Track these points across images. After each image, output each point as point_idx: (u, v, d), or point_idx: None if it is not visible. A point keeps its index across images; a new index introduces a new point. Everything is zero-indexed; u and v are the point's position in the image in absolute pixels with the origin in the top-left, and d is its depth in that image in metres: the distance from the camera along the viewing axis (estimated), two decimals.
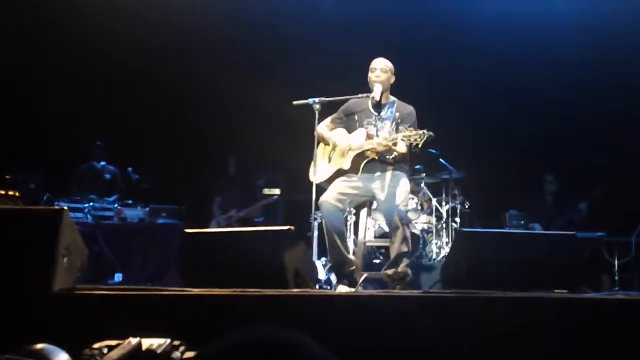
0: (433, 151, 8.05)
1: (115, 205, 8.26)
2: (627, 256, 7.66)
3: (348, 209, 5.81)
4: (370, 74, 5.75)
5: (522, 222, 8.51)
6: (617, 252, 7.67)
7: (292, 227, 4.53)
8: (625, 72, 8.66)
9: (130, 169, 8.67)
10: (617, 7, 8.54)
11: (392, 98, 5.81)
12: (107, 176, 8.83)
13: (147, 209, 8.32)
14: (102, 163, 8.84)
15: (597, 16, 8.64)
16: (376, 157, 5.58)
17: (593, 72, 8.71)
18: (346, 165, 5.62)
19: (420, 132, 5.21)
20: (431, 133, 5.21)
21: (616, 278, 7.55)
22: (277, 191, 8.99)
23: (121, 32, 8.86)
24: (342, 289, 5.33)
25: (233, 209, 9.00)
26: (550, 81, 9.01)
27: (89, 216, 7.98)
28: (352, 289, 5.32)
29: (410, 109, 5.77)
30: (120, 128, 9.09)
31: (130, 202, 8.36)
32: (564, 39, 8.76)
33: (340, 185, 5.62)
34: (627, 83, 8.64)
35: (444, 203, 8.38)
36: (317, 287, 5.92)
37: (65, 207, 3.85)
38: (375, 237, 7.56)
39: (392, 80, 5.79)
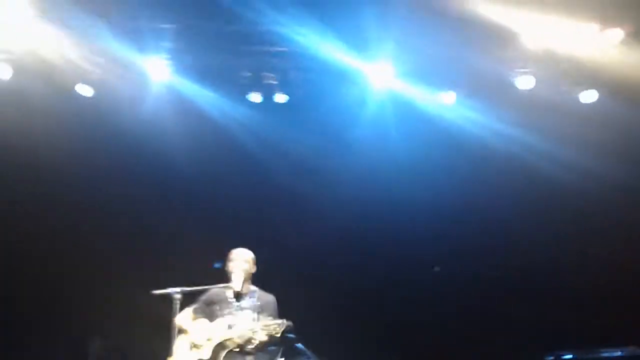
0: (291, 336, 8.08)
1: None
2: None
3: None
4: (230, 263, 5.87)
5: None
6: None
7: None
8: (473, 254, 9.32)
9: None
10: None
11: (253, 287, 5.94)
12: None
13: None
14: None
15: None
16: (236, 347, 5.60)
17: (439, 260, 9.30)
18: (206, 355, 5.60)
19: (279, 321, 5.37)
20: (290, 322, 5.35)
21: None
22: None
23: None
24: None
25: None
26: (402, 272, 9.53)
27: None
28: None
29: (271, 297, 5.91)
30: None
31: None
32: (415, 229, 9.34)
33: None
34: (472, 266, 9.28)
35: None
36: None
37: None
38: None
39: (254, 270, 5.95)
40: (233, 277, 5.81)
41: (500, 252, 9.21)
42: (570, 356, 7.57)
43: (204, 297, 5.92)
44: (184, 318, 5.79)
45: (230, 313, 5.76)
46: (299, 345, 8.25)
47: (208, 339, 5.64)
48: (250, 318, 5.71)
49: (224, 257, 5.99)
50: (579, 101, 8.16)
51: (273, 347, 8.30)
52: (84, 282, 9.06)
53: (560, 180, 8.58)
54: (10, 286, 9.09)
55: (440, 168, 9.23)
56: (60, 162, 8.96)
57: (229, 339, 5.58)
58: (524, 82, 8.07)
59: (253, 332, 5.49)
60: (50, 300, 9.17)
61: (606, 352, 7.61)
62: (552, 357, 7.69)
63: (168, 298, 5.50)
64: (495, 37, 7.46)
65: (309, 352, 8.27)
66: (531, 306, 8.85)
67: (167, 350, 5.54)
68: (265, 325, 5.39)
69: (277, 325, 5.37)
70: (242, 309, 5.79)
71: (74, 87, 8.30)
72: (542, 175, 8.68)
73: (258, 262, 6.00)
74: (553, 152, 8.51)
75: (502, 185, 8.98)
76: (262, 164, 9.26)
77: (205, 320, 5.81)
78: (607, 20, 7.16)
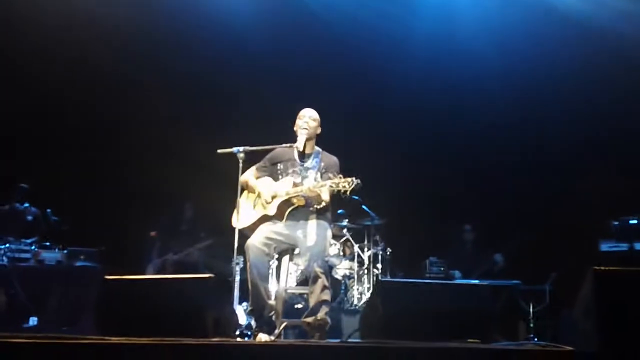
0: (356, 197, 8.16)
1: (33, 247, 8.09)
2: (541, 304, 7.91)
3: (273, 254, 5.82)
4: (298, 121, 5.84)
5: (442, 268, 8.69)
6: (532, 300, 7.90)
7: (213, 275, 4.55)
8: (541, 123, 9.05)
9: (49, 210, 8.53)
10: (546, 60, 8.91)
11: (317, 148, 5.93)
12: (29, 218, 8.66)
13: (65, 251, 8.17)
14: (25, 205, 8.69)
15: (524, 72, 8.99)
16: (302, 205, 5.65)
17: (508, 125, 9.07)
18: (271, 211, 5.67)
19: (349, 179, 5.30)
20: (359, 181, 5.30)
21: (531, 325, 7.76)
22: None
23: (49, 69, 8.83)
24: (262, 337, 5.33)
25: (170, 252, 8.91)
26: (469, 133, 9.32)
27: (4, 258, 7.78)
28: (272, 337, 5.33)
29: (334, 159, 5.90)
30: (41, 169, 8.94)
31: (48, 244, 8.19)
32: (488, 93, 9.09)
33: (266, 230, 5.65)
34: (542, 133, 9.04)
35: (365, 249, 8.49)
36: (238, 332, 5.91)
37: None
38: (297, 283, 7.60)
39: (319, 131, 5.91)
40: (298, 136, 5.78)
41: (575, 118, 8.90)
42: (636, 221, 7.49)
43: (268, 156, 5.97)
44: (248, 175, 5.90)
45: (294, 172, 5.79)
46: (364, 206, 8.38)
47: (273, 196, 5.69)
48: (313, 177, 5.73)
49: (291, 118, 5.94)
50: None
51: (341, 211, 8.51)
52: (174, 151, 9.25)
53: None
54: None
55: (514, 32, 8.87)
56: (125, 30, 8.92)
57: (295, 196, 5.61)
58: None
59: (320, 190, 5.48)
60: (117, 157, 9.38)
61: None
62: (617, 222, 7.63)
63: (233, 157, 5.57)
64: None
65: (373, 214, 8.40)
66: (600, 172, 8.64)
67: (233, 205, 5.67)
68: (335, 183, 5.34)
69: (347, 183, 5.31)
70: (306, 168, 5.81)
71: None
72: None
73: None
74: None
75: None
76: (328, 25, 9.01)
77: (269, 179, 5.88)
78: None
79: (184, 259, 8.87)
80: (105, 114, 9.28)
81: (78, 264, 8.20)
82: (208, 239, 8.95)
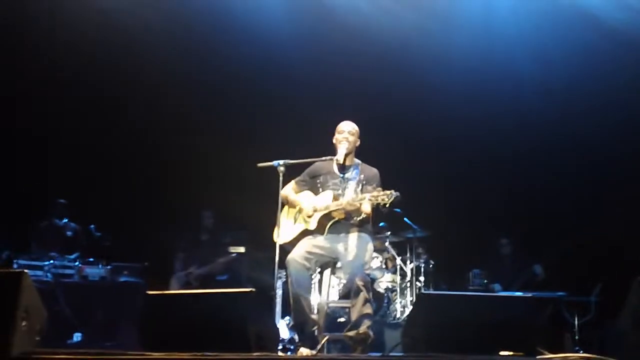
0: (398, 210, 8.12)
1: (77, 263, 8.17)
2: (587, 316, 7.78)
3: (314, 268, 5.81)
4: (337, 135, 5.84)
5: (485, 281, 8.61)
6: (578, 312, 7.78)
7: (254, 289, 4.55)
8: (582, 135, 8.91)
9: (92, 226, 8.62)
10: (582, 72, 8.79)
11: (357, 160, 5.92)
12: (69, 233, 8.74)
13: (109, 267, 8.23)
14: (65, 220, 8.78)
15: (562, 85, 8.89)
16: (343, 218, 5.64)
17: (549, 138, 8.98)
18: (312, 225, 5.66)
19: (388, 192, 5.27)
20: (398, 193, 5.27)
21: (577, 337, 7.64)
22: (241, 249, 8.94)
23: (85, 88, 8.96)
24: (304, 351, 5.31)
25: (194, 265, 8.86)
26: (509, 145, 9.25)
27: (49, 274, 7.88)
28: (314, 351, 5.31)
29: (374, 171, 5.87)
30: (83, 185, 9.04)
31: (91, 260, 8.27)
32: (526, 107, 9.01)
33: (307, 244, 5.64)
34: (584, 145, 8.91)
35: (408, 262, 8.44)
36: (280, 346, 5.91)
37: (26, 271, 3.83)
38: (339, 296, 7.57)
39: (358, 143, 5.90)
40: (338, 149, 5.78)
41: (617, 130, 8.76)
42: None
43: (307, 170, 5.98)
44: (288, 190, 5.91)
45: (334, 185, 5.78)
46: (406, 219, 8.32)
47: (313, 210, 5.69)
48: (354, 190, 5.71)
49: (330, 131, 5.95)
50: None
51: (383, 224, 8.48)
52: (196, 159, 9.30)
53: None
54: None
55: (553, 45, 8.81)
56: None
57: (335, 210, 5.60)
58: None
59: (360, 203, 5.46)
60: (169, 177, 9.44)
61: None
62: None
63: (273, 170, 5.58)
64: None
65: (415, 226, 8.33)
66: None
67: (274, 221, 5.66)
68: (374, 196, 5.32)
69: (385, 196, 5.29)
70: (346, 180, 5.80)
71: None
72: None
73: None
74: None
75: None
76: (365, 39, 8.99)
77: (309, 193, 5.88)
78: None
79: (208, 272, 8.82)
80: (148, 130, 9.35)
81: (122, 279, 8.26)
82: (233, 253, 8.93)
